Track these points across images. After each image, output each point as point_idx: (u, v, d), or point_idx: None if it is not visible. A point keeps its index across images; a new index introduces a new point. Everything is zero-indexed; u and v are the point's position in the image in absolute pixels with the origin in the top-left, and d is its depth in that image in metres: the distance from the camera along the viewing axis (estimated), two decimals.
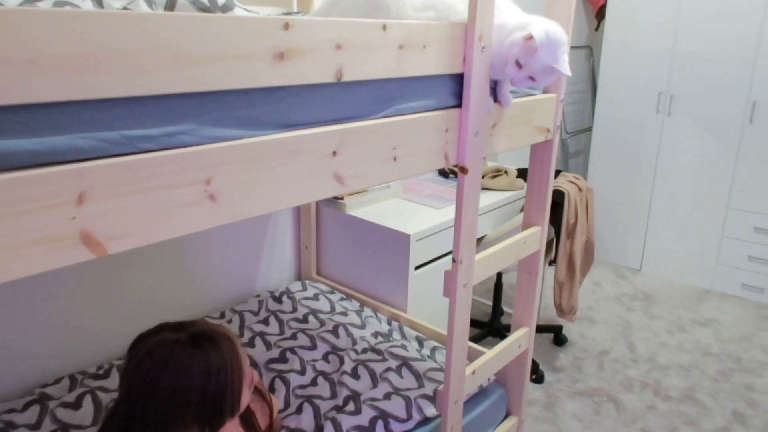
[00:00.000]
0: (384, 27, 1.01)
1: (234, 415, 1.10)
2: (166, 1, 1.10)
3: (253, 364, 1.74)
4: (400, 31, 1.04)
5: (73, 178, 0.68)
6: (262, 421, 1.29)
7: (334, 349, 1.84)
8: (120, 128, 0.72)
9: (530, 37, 1.13)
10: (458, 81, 1.22)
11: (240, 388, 1.09)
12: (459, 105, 1.24)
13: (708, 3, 3.15)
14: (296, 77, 0.89)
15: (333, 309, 2.09)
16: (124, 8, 1.10)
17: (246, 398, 1.13)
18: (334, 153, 0.99)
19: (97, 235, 0.72)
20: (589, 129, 4.23)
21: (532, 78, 1.18)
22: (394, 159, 1.11)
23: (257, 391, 1.32)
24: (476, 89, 1.21)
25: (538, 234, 1.70)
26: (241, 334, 1.92)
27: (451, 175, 2.74)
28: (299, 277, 2.44)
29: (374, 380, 1.68)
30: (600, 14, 4.07)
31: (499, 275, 2.68)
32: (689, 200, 3.42)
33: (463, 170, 1.28)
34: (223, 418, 1.07)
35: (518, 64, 1.17)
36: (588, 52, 4.22)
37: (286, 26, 0.85)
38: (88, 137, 0.69)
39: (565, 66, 1.17)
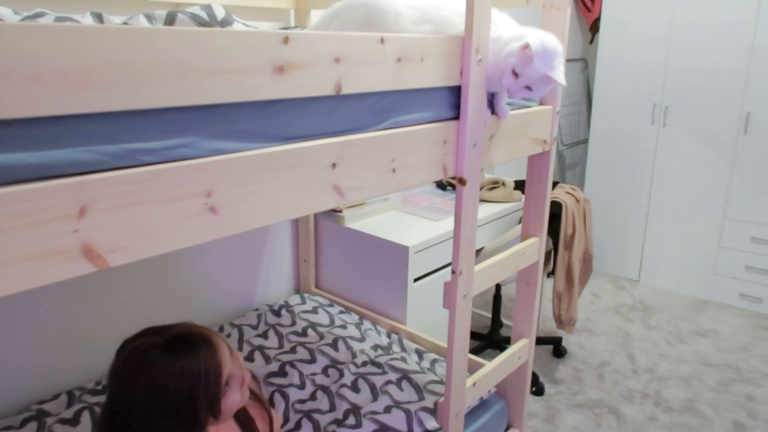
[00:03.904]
0: (382, 40, 1.02)
1: (217, 418, 1.09)
2: (165, 16, 1.11)
3: (252, 378, 1.73)
4: (397, 45, 1.05)
5: (75, 192, 0.69)
6: (262, 428, 1.28)
7: (334, 363, 1.83)
8: (121, 141, 0.73)
9: (527, 46, 1.15)
10: (456, 93, 1.23)
11: (216, 391, 1.08)
12: (457, 117, 1.25)
13: (700, 15, 3.19)
14: (296, 90, 0.90)
15: (332, 322, 2.08)
16: (125, 23, 1.11)
17: (234, 401, 1.12)
18: (334, 165, 1.00)
19: (99, 248, 0.72)
20: (585, 141, 4.26)
21: (528, 87, 1.20)
22: (393, 171, 1.12)
23: (255, 396, 1.31)
24: (473, 101, 1.22)
25: (536, 245, 1.70)
26: (240, 348, 1.91)
27: (448, 187, 2.75)
28: (298, 291, 2.44)
29: (374, 393, 1.67)
30: (594, 27, 4.11)
31: (498, 287, 2.68)
32: (686, 211, 3.43)
33: (462, 182, 1.28)
34: (201, 422, 1.06)
35: (515, 74, 1.18)
36: (583, 64, 4.26)
37: (286, 40, 0.86)
38: (89, 150, 0.70)
39: (560, 75, 1.18)
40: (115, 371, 1.05)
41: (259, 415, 1.29)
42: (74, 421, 1.51)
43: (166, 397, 1.02)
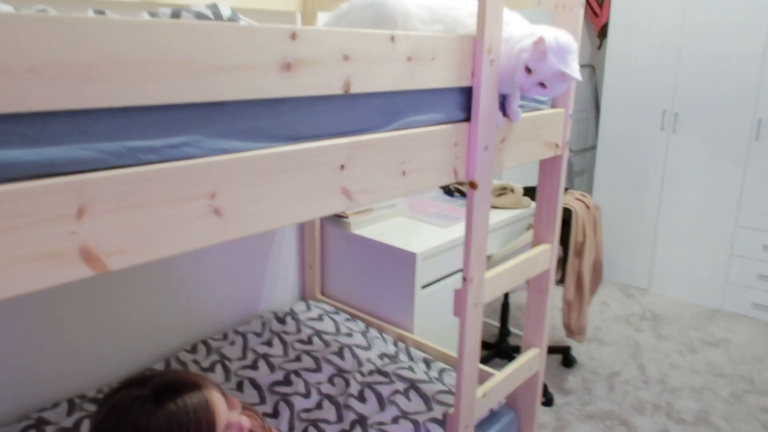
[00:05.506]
0: (392, 38, 0.99)
1: None
2: (170, 15, 1.08)
3: (256, 387, 1.70)
4: (408, 43, 1.02)
5: (73, 191, 0.66)
6: None
7: (340, 372, 1.79)
8: (122, 139, 0.70)
9: (540, 41, 1.12)
10: (467, 94, 1.20)
11: None
12: (468, 119, 1.21)
13: (711, 21, 3.15)
14: (303, 88, 0.87)
15: (338, 330, 2.04)
16: None
17: None
18: (342, 167, 0.96)
19: (98, 250, 0.69)
20: (593, 147, 4.22)
21: (542, 84, 1.16)
22: (403, 173, 1.09)
23: None
24: (485, 103, 1.19)
25: (548, 252, 1.66)
26: (244, 356, 1.87)
27: (456, 194, 2.71)
28: (303, 298, 2.40)
29: (381, 403, 1.63)
30: (602, 33, 4.09)
31: (506, 295, 2.64)
32: (697, 218, 3.38)
33: (473, 185, 1.25)
34: None
35: (528, 70, 1.15)
36: (591, 70, 4.23)
37: (294, 36, 0.83)
38: (88, 148, 0.67)
39: (575, 71, 1.15)
40: (94, 429, 0.95)
41: None
42: (74, 430, 1.47)
43: None
